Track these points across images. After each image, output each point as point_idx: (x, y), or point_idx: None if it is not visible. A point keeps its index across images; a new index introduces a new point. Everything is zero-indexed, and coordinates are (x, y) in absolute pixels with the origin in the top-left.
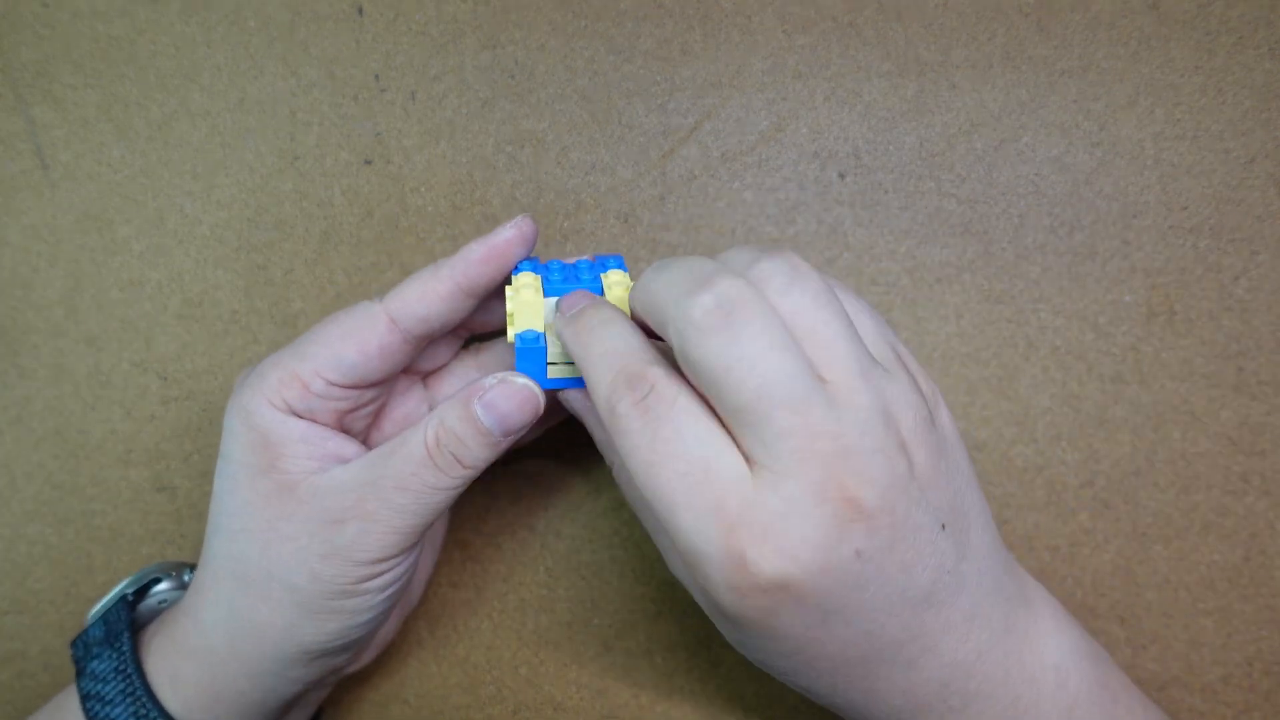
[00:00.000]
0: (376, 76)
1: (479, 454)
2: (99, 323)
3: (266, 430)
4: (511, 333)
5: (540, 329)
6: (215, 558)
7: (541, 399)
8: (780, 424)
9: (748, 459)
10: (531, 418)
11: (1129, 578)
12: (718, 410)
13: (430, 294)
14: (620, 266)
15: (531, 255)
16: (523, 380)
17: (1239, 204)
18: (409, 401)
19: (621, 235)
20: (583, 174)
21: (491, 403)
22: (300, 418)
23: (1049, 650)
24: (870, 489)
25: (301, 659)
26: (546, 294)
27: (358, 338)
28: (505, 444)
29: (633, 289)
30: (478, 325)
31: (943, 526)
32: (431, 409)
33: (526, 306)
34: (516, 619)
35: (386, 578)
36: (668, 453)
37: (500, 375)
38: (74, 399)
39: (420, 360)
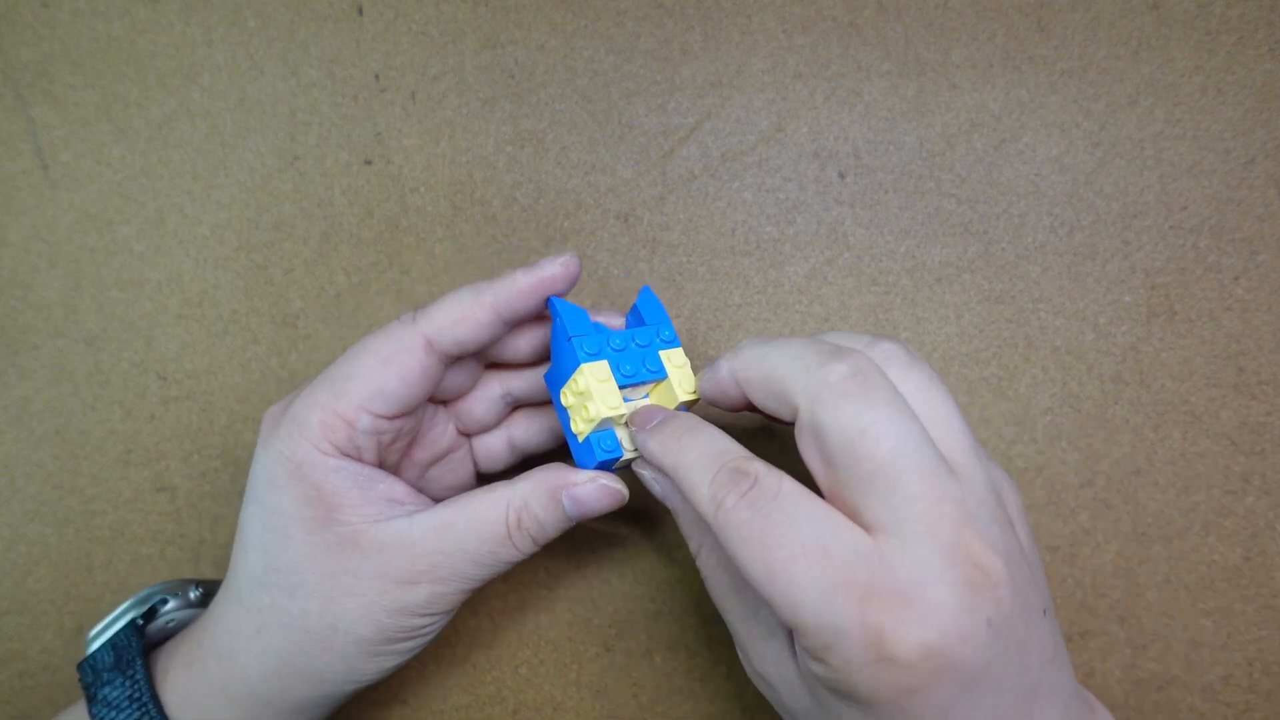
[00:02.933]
0: (376, 76)
1: (554, 535)
2: (99, 323)
3: (319, 481)
4: (582, 427)
5: (613, 429)
6: (261, 610)
7: (626, 496)
8: (910, 488)
9: (868, 528)
10: (614, 509)
11: (1130, 578)
12: (839, 478)
13: (469, 318)
14: (674, 341)
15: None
16: (614, 484)
17: (1239, 204)
18: (436, 426)
19: (621, 235)
20: (583, 174)
21: (580, 499)
22: (348, 457)
23: None
24: (995, 557)
25: (354, 693)
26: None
27: (397, 365)
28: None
29: (738, 359)
30: (507, 357)
31: (1044, 612)
32: (458, 426)
33: (607, 418)
34: (516, 619)
35: (443, 620)
36: (782, 536)
37: (590, 474)
38: (74, 399)
39: (448, 392)
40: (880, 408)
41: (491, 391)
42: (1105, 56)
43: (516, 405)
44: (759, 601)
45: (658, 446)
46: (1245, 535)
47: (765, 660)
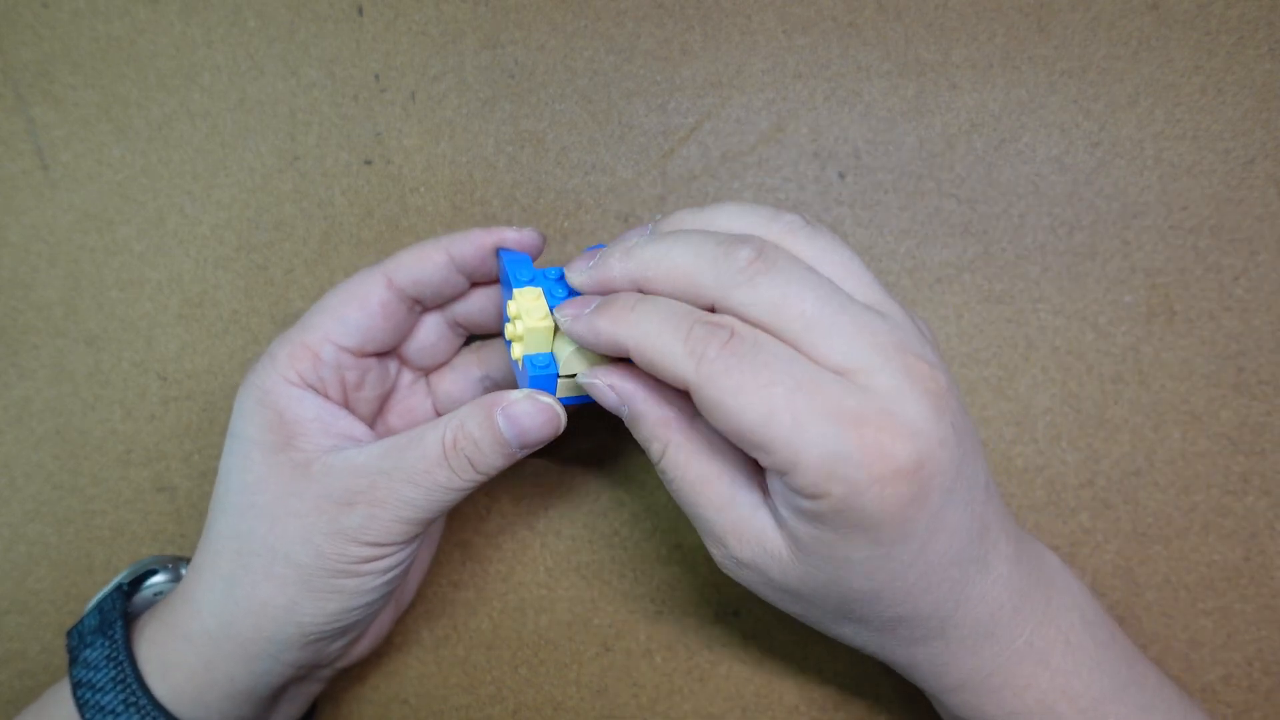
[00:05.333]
0: (376, 76)
1: (493, 461)
2: (99, 323)
3: (282, 408)
4: (519, 351)
5: (549, 349)
6: (218, 537)
7: (563, 419)
8: (847, 327)
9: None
10: (551, 435)
11: (1129, 578)
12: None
13: (425, 259)
14: None
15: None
16: (548, 399)
17: (1239, 204)
18: (414, 396)
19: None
20: (583, 174)
21: (515, 416)
22: (314, 391)
23: (1049, 559)
24: (939, 372)
25: (298, 640)
26: (552, 309)
27: (359, 298)
28: (519, 456)
29: (634, 259)
30: (475, 324)
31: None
32: (434, 404)
33: (535, 332)
34: (516, 619)
35: (387, 562)
36: (775, 376)
37: (526, 391)
38: (74, 399)
39: (423, 357)
40: (792, 275)
41: (471, 373)
42: (1105, 56)
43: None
44: (738, 473)
45: (609, 323)
46: (1245, 535)
47: (748, 541)
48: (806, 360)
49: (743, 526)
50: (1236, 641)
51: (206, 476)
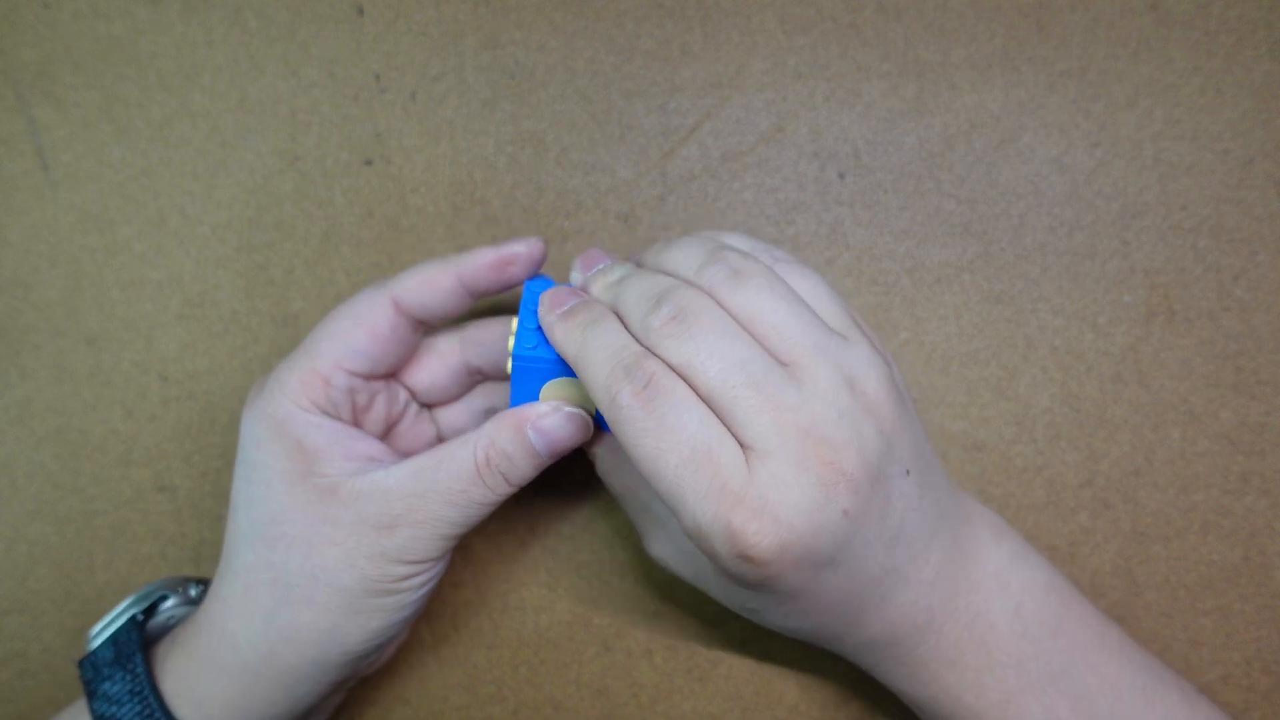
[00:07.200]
0: (376, 76)
1: (526, 473)
2: (99, 323)
3: (300, 436)
4: (512, 347)
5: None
6: (247, 569)
7: (591, 426)
8: (748, 404)
9: (739, 443)
10: (580, 442)
11: (1129, 578)
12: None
13: (434, 283)
14: None
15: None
16: (575, 409)
17: (1239, 204)
18: (419, 425)
19: (621, 235)
20: (583, 174)
21: (545, 429)
22: (328, 415)
23: (989, 559)
24: (847, 451)
25: (340, 660)
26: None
27: (367, 322)
28: (548, 463)
29: (599, 284)
30: (493, 371)
31: (907, 472)
32: (439, 433)
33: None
34: (516, 619)
35: (426, 575)
36: (673, 439)
37: (553, 404)
38: (74, 399)
39: (434, 394)
40: (700, 337)
41: (474, 404)
42: (1105, 57)
43: None
44: (652, 491)
45: (562, 334)
46: (1244, 535)
47: (660, 543)
48: (712, 421)
49: (657, 530)
50: (1236, 641)
51: (207, 476)
